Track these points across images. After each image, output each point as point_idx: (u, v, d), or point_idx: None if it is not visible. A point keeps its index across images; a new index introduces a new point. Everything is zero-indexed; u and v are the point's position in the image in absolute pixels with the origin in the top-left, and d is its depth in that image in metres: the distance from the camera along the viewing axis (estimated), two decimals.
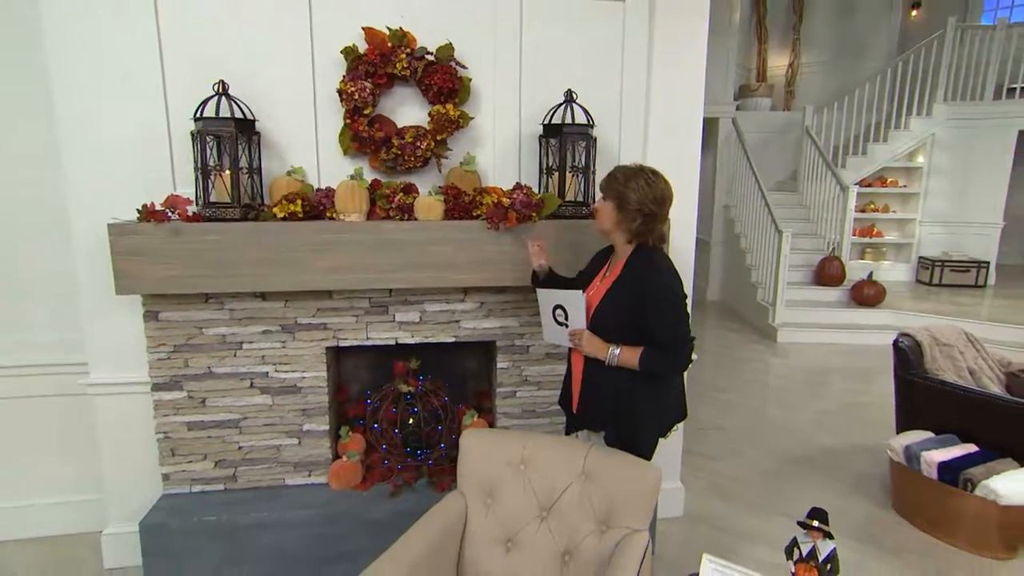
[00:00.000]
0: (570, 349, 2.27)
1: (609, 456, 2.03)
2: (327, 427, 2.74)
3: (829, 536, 1.81)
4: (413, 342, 2.74)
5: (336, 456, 2.79)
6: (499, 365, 2.82)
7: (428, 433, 2.82)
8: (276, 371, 2.65)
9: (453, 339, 2.76)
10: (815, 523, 1.81)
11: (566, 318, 2.15)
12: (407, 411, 2.81)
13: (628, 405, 2.10)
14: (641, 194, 2.02)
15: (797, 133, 8.45)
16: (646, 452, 2.12)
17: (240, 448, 2.67)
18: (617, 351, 2.04)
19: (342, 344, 2.68)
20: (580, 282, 2.30)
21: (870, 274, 6.97)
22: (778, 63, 10.28)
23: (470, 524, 2.08)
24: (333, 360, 2.82)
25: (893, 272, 8.26)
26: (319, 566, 2.55)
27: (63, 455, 2.91)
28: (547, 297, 2.23)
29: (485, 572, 2.04)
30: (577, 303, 2.11)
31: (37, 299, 2.78)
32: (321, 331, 2.65)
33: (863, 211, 8.21)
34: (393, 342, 2.71)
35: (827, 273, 7.05)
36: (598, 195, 2.16)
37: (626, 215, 2.04)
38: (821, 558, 1.79)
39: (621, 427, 2.13)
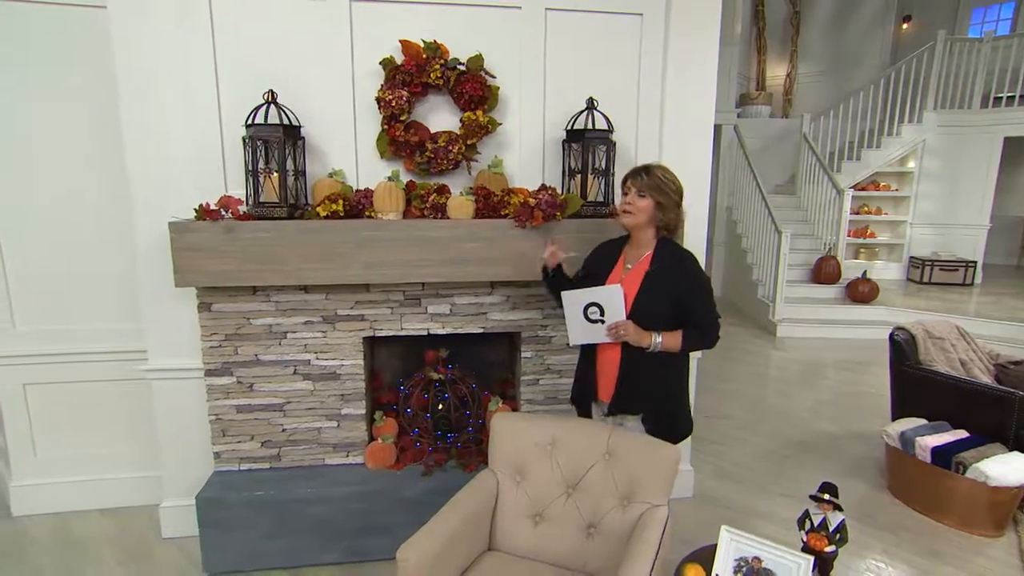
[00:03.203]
0: (592, 345, 2.24)
1: (631, 437, 2.06)
2: (364, 411, 2.79)
3: (839, 508, 1.85)
4: (443, 333, 2.78)
5: (372, 438, 2.84)
6: (523, 354, 2.86)
7: (457, 418, 2.87)
8: (317, 359, 2.70)
9: (481, 330, 2.80)
10: (826, 496, 1.84)
11: (602, 314, 2.09)
12: (437, 397, 2.86)
13: (664, 392, 2.17)
14: (675, 190, 2.11)
15: (795, 139, 8.44)
16: (683, 434, 2.22)
17: (284, 430, 2.73)
18: (659, 338, 2.06)
19: (378, 334, 2.72)
20: (586, 281, 2.25)
21: (864, 273, 6.97)
22: (777, 73, 10.27)
23: (501, 499, 2.12)
24: (368, 349, 2.86)
25: (886, 271, 8.27)
26: (358, 538, 2.61)
27: (125, 435, 2.98)
28: (577, 298, 2.14)
29: (515, 543, 2.09)
30: (615, 296, 2.07)
31: (105, 292, 2.85)
32: (359, 322, 2.70)
33: (857, 213, 8.23)
34: (425, 332, 2.76)
35: (824, 272, 7.06)
36: (631, 193, 2.11)
37: (666, 210, 2.09)
38: (831, 528, 1.82)
39: (660, 414, 2.17)
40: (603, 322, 2.10)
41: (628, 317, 2.09)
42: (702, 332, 2.11)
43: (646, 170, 2.11)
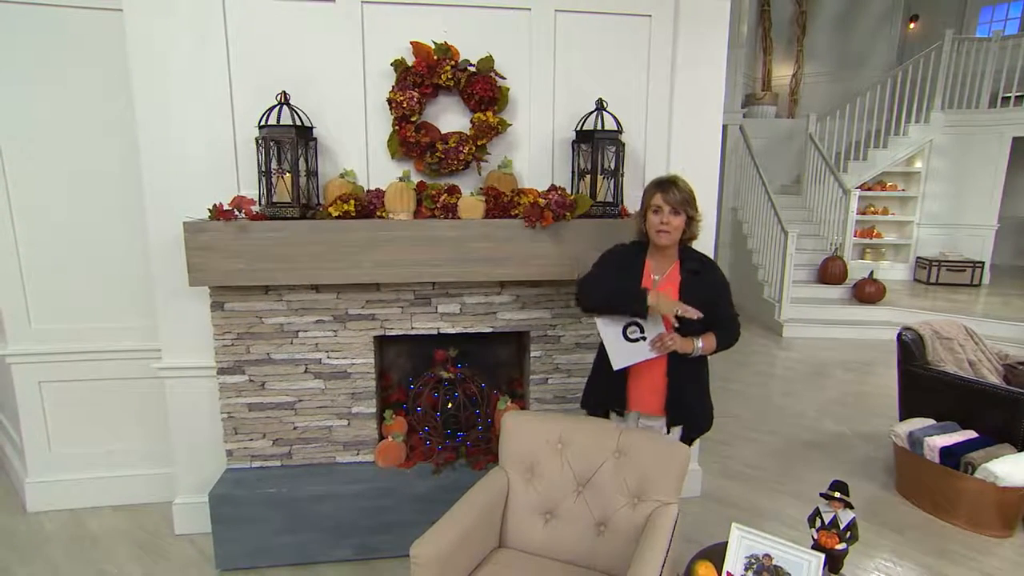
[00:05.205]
0: None
1: (641, 436, 2.08)
2: (374, 410, 2.81)
3: (849, 506, 1.85)
4: (453, 332, 2.79)
5: (382, 437, 2.85)
6: (532, 354, 2.87)
7: (466, 417, 2.89)
8: (328, 358, 2.72)
9: (490, 329, 2.81)
10: (836, 494, 1.85)
11: (642, 331, 2.09)
12: (446, 396, 2.88)
13: (703, 395, 2.23)
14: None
15: (801, 139, 8.42)
16: (705, 430, 2.28)
17: (295, 428, 2.75)
18: (700, 343, 2.09)
19: (389, 333, 2.74)
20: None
21: (871, 273, 6.96)
22: (782, 73, 10.24)
23: (512, 497, 2.14)
24: (378, 348, 2.88)
25: (892, 271, 8.26)
26: (368, 535, 2.62)
27: (138, 432, 3.01)
28: (614, 320, 2.13)
29: (526, 540, 2.10)
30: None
31: (119, 291, 2.88)
32: (370, 321, 2.71)
33: (864, 213, 8.23)
34: (435, 332, 2.77)
35: (830, 272, 7.05)
36: (664, 211, 2.06)
37: (693, 223, 2.13)
38: (842, 526, 1.83)
39: (698, 417, 2.22)
40: (645, 338, 2.09)
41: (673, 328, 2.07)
42: (728, 332, 2.17)
43: (675, 184, 2.08)
